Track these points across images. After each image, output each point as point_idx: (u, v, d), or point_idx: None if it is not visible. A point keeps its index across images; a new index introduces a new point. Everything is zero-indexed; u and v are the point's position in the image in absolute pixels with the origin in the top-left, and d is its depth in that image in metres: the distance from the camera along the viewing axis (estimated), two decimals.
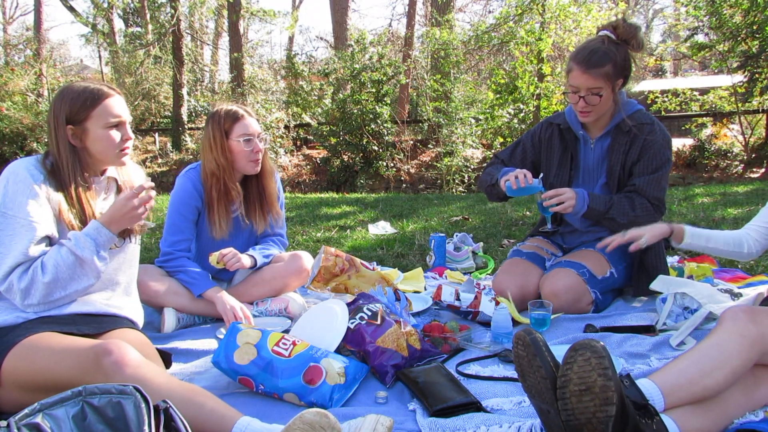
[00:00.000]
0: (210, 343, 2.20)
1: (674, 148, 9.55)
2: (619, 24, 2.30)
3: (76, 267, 1.67)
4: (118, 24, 15.27)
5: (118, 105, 1.78)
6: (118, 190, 1.91)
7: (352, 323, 1.97)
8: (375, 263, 3.27)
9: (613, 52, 2.25)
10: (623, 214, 2.33)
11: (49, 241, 1.70)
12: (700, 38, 9.63)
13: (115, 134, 1.77)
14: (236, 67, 12.13)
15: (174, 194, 2.47)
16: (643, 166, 2.36)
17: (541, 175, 2.41)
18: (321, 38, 24.57)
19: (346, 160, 10.27)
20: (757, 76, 8.70)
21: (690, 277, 2.73)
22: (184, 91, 11.78)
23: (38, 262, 1.64)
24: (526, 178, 2.27)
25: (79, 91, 1.75)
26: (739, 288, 2.59)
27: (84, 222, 1.74)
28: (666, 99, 9.63)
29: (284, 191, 2.72)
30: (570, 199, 2.29)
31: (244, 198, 2.55)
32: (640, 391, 1.38)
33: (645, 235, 2.09)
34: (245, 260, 2.44)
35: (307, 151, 11.65)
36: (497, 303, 2.29)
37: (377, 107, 10.02)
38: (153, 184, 1.77)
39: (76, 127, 1.74)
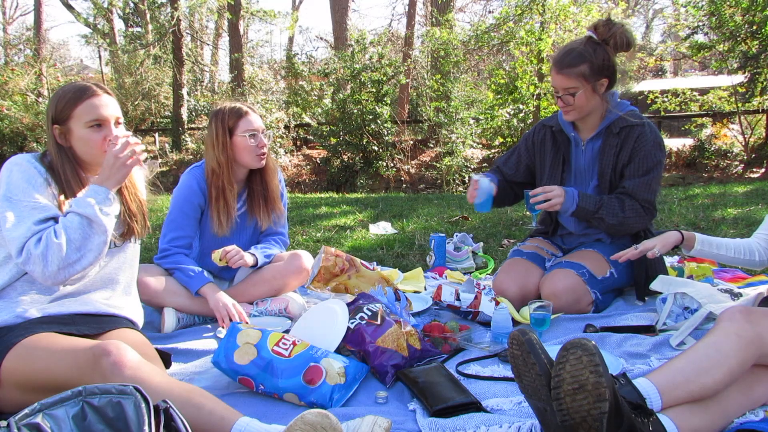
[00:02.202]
0: (210, 343, 2.20)
1: (674, 148, 9.62)
2: (599, 24, 2.31)
3: (85, 226, 1.64)
4: (118, 24, 15.27)
5: (102, 104, 1.73)
6: (118, 189, 1.90)
7: (352, 323, 1.97)
8: (375, 263, 3.27)
9: (590, 53, 2.26)
10: (613, 215, 2.33)
11: (56, 221, 1.69)
12: (700, 38, 9.63)
13: (97, 134, 1.73)
14: (236, 67, 12.14)
15: (177, 191, 2.48)
16: (633, 169, 2.35)
17: (495, 180, 2.46)
18: (321, 38, 24.58)
19: (346, 160, 10.27)
20: (757, 76, 8.70)
21: (690, 277, 2.73)
22: (184, 91, 11.78)
23: (50, 229, 1.62)
24: (479, 184, 2.36)
25: (66, 90, 1.74)
26: (739, 288, 2.59)
27: None
28: (666, 99, 9.63)
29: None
30: (558, 197, 2.29)
31: (248, 195, 2.56)
32: (636, 389, 1.38)
33: (657, 245, 2.10)
34: (248, 258, 2.45)
35: (307, 151, 11.65)
36: (497, 303, 2.29)
37: (377, 107, 10.02)
38: (129, 133, 1.71)
39: (61, 126, 1.73)
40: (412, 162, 10.68)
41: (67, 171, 1.73)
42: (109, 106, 1.75)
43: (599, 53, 2.27)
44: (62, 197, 1.72)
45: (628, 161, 2.37)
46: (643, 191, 2.33)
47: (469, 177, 2.46)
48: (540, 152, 2.58)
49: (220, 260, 2.37)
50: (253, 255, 2.51)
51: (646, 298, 2.50)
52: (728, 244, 2.11)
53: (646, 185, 2.34)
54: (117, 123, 1.78)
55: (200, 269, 2.43)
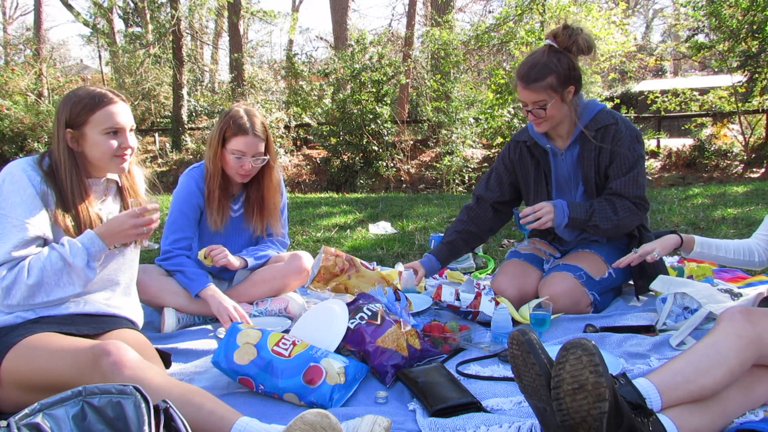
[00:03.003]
0: (210, 343, 2.20)
1: (674, 148, 9.62)
2: (559, 32, 2.28)
3: (63, 274, 1.67)
4: (118, 24, 15.28)
5: (119, 112, 1.76)
6: (120, 191, 1.91)
7: (352, 323, 1.97)
8: (375, 263, 3.27)
9: (554, 63, 2.23)
10: (606, 220, 2.31)
11: (43, 242, 1.69)
12: (701, 38, 9.63)
13: (112, 141, 1.74)
14: (236, 67, 12.15)
15: (177, 192, 2.48)
16: (617, 169, 2.34)
17: (430, 263, 2.59)
18: (321, 38, 24.55)
19: (346, 160, 10.28)
20: (757, 76, 8.70)
21: (690, 277, 2.73)
22: (184, 91, 11.79)
23: (25, 263, 1.63)
24: (402, 275, 2.54)
25: (82, 95, 1.75)
26: (739, 288, 2.59)
27: (79, 225, 1.74)
28: (666, 99, 9.63)
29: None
30: (548, 214, 2.28)
31: (245, 200, 2.56)
32: (636, 389, 1.38)
33: (657, 248, 2.10)
34: (233, 260, 2.44)
35: (307, 151, 11.65)
36: (497, 303, 2.30)
37: (377, 107, 10.03)
38: (158, 206, 1.76)
39: (75, 131, 1.74)
40: (412, 162, 10.68)
41: (72, 176, 1.74)
42: (125, 114, 1.78)
43: (563, 62, 2.25)
44: (59, 208, 1.71)
45: (610, 162, 2.35)
46: (631, 188, 2.32)
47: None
48: (521, 170, 2.56)
49: (205, 258, 2.37)
50: (243, 258, 2.51)
51: (640, 297, 2.49)
52: (727, 245, 2.11)
53: (633, 181, 2.32)
54: (131, 130, 1.80)
55: (202, 272, 2.43)
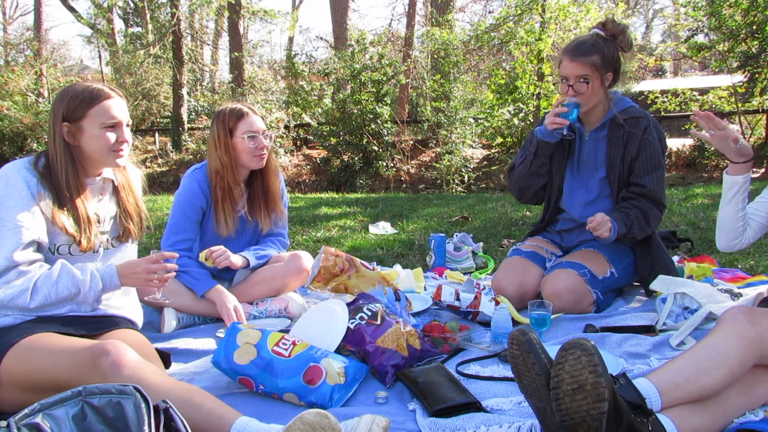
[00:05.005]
0: (210, 343, 2.20)
1: (674, 148, 9.61)
2: (608, 21, 2.43)
3: (68, 299, 1.69)
4: (119, 24, 15.28)
5: (116, 106, 1.77)
6: (115, 191, 1.90)
7: (352, 323, 1.97)
8: (375, 263, 3.27)
9: (601, 45, 2.36)
10: (642, 232, 2.38)
11: (38, 246, 1.69)
12: (700, 39, 9.62)
13: (111, 135, 1.75)
14: (236, 67, 12.15)
15: (179, 194, 2.48)
16: (644, 163, 2.39)
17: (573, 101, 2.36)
18: (321, 38, 24.56)
19: (346, 160, 10.27)
20: (757, 76, 8.70)
21: (690, 277, 2.73)
22: (184, 91, 11.78)
23: (30, 284, 1.62)
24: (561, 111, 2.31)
25: (79, 90, 1.76)
26: (739, 288, 2.59)
27: (77, 221, 1.74)
28: (666, 99, 9.62)
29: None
30: (606, 222, 2.26)
31: (248, 196, 2.56)
32: (636, 389, 1.38)
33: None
34: (235, 259, 2.44)
35: (307, 151, 11.65)
36: (497, 303, 2.30)
37: (377, 107, 10.02)
38: (176, 255, 1.81)
39: (72, 125, 1.74)
40: (412, 162, 10.68)
41: (68, 170, 1.74)
42: (122, 108, 1.80)
43: (609, 46, 2.38)
44: (56, 207, 1.71)
45: (637, 154, 2.40)
46: (659, 186, 2.39)
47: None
48: None
49: (206, 260, 2.37)
50: (244, 257, 2.50)
51: (643, 298, 2.49)
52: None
53: (660, 181, 2.40)
54: (127, 125, 1.81)
55: (207, 272, 2.44)
